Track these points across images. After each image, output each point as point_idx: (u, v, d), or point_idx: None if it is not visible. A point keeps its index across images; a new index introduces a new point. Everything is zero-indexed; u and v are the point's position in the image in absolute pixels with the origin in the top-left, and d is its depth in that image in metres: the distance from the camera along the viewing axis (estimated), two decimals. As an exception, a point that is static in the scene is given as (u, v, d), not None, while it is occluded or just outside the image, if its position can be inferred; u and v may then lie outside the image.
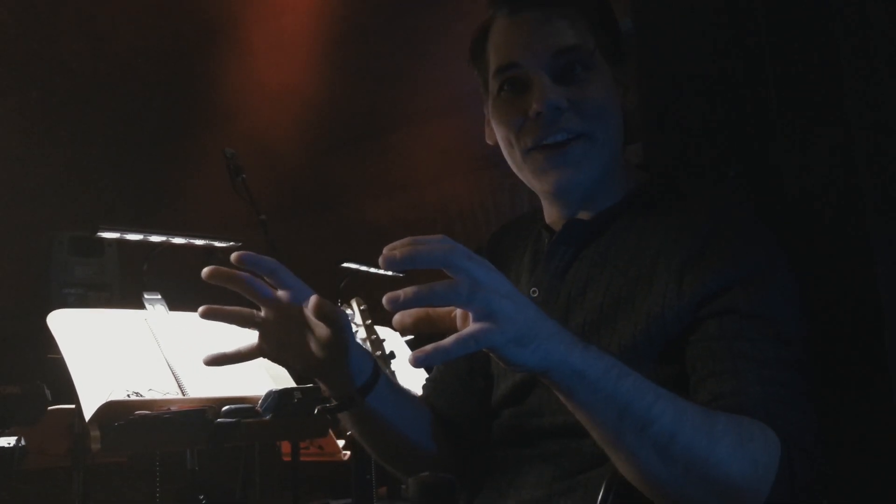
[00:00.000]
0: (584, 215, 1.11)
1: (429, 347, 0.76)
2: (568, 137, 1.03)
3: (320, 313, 0.93)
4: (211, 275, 0.98)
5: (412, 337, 4.00)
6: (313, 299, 0.93)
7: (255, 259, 0.97)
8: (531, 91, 1.04)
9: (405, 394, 1.19)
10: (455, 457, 1.22)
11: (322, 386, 1.07)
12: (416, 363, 0.75)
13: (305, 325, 0.99)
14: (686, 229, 0.99)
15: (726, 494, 0.83)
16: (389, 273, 3.90)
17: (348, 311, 2.80)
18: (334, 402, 1.06)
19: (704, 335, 0.93)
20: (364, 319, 2.74)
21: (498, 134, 1.11)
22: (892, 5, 1.00)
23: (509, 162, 1.12)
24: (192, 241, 2.81)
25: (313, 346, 0.99)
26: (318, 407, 1.05)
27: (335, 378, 1.04)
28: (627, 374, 0.82)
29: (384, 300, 0.76)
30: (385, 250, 0.76)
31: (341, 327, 0.95)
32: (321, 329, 0.97)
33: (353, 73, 5.44)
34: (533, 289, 1.13)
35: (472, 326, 0.76)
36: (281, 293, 0.99)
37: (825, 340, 0.99)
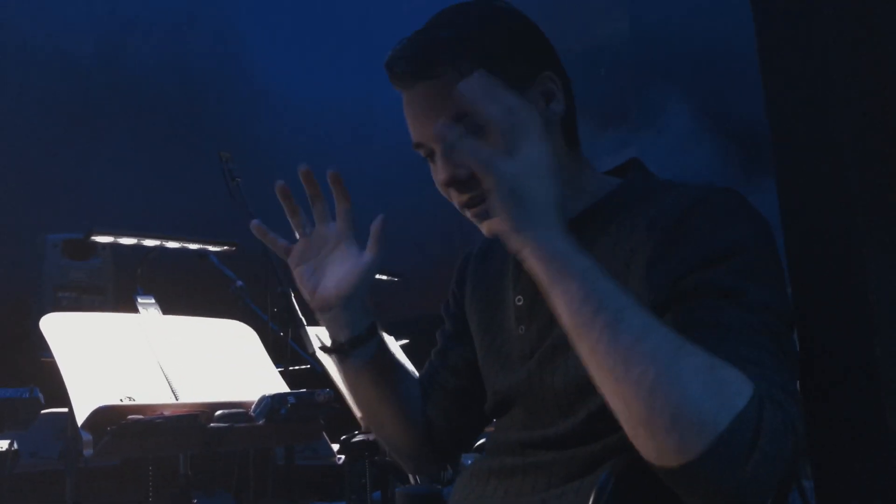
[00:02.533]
0: None
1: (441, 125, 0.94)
2: (480, 195, 1.04)
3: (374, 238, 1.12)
4: (281, 192, 1.16)
5: (407, 341, 4.00)
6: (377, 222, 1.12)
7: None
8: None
9: (400, 365, 1.25)
10: (436, 458, 1.24)
11: (325, 328, 1.18)
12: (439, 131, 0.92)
13: (331, 258, 1.13)
14: (658, 222, 0.99)
15: (682, 414, 0.79)
16: (384, 277, 3.90)
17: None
18: (330, 346, 1.17)
19: (673, 316, 0.93)
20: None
21: None
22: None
23: None
24: (186, 244, 2.81)
25: (330, 277, 1.11)
26: (324, 398, 1.20)
27: (336, 320, 1.15)
28: (607, 277, 0.85)
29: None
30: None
31: (365, 268, 1.11)
32: (340, 268, 1.10)
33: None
34: (518, 297, 1.13)
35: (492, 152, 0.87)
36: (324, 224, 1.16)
37: (815, 345, 0.99)
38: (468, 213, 1.09)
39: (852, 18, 1.03)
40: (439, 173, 1.06)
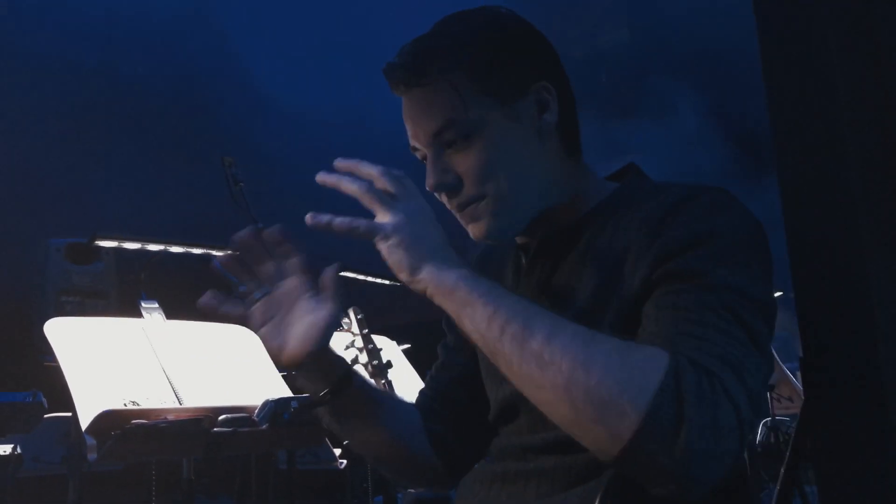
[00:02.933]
0: (549, 231, 1.13)
1: (325, 215, 0.96)
2: (465, 204, 1.08)
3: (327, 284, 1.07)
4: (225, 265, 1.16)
5: (409, 346, 4.00)
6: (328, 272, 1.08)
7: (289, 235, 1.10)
8: None
9: (387, 398, 1.25)
10: (443, 471, 1.24)
11: (302, 379, 1.15)
12: (310, 220, 0.96)
13: (292, 315, 1.08)
14: (647, 220, 1.01)
15: (604, 402, 0.81)
16: (387, 282, 3.90)
17: (344, 321, 2.80)
18: (310, 398, 1.15)
19: (647, 306, 0.96)
20: (361, 329, 2.74)
21: None
22: None
23: None
24: (189, 249, 2.81)
25: (293, 335, 1.06)
26: (297, 406, 1.17)
27: (309, 377, 1.13)
28: (509, 294, 0.91)
29: (307, 218, 0.97)
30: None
31: (327, 321, 1.06)
32: (302, 323, 1.06)
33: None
34: None
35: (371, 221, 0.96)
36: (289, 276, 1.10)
37: (819, 349, 0.99)
38: (458, 216, 1.11)
39: (853, 20, 1.03)
40: (428, 178, 1.08)
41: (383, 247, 0.96)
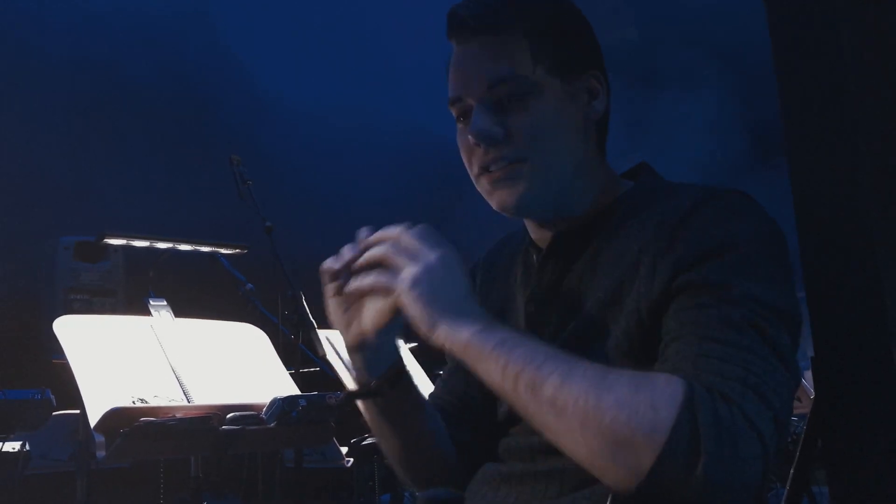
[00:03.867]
0: (564, 227, 1.12)
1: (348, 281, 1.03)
2: (506, 163, 1.06)
3: None
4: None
5: (416, 344, 4.00)
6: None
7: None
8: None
9: (426, 402, 1.22)
10: (462, 471, 1.23)
11: (353, 368, 1.14)
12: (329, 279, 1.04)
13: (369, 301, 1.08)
14: (665, 222, 1.00)
15: (618, 441, 0.81)
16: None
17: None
18: (358, 389, 1.13)
19: (668, 314, 0.95)
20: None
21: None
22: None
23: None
24: (197, 247, 2.82)
25: (366, 313, 1.06)
26: (344, 394, 1.15)
27: (365, 360, 1.11)
28: (521, 343, 0.91)
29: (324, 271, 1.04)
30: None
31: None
32: (374, 305, 1.05)
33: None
34: (529, 303, 1.14)
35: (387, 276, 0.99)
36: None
37: (830, 347, 0.99)
38: (483, 181, 1.09)
39: (865, 14, 1.03)
40: (473, 125, 1.06)
41: (403, 301, 0.98)
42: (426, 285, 0.97)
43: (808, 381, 4.46)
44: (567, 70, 1.08)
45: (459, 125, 1.12)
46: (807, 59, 1.05)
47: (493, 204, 1.10)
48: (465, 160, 1.12)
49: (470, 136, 1.07)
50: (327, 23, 6.48)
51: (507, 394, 0.91)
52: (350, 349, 1.11)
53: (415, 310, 0.97)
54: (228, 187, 2.98)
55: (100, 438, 1.81)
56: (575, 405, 0.84)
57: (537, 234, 1.16)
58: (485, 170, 1.08)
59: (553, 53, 1.07)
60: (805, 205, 1.06)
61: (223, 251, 2.87)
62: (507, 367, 0.90)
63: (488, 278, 1.28)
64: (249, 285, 2.77)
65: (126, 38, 5.70)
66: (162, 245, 2.75)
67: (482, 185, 1.10)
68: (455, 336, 0.94)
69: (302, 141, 6.01)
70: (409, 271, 0.97)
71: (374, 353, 1.11)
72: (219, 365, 2.18)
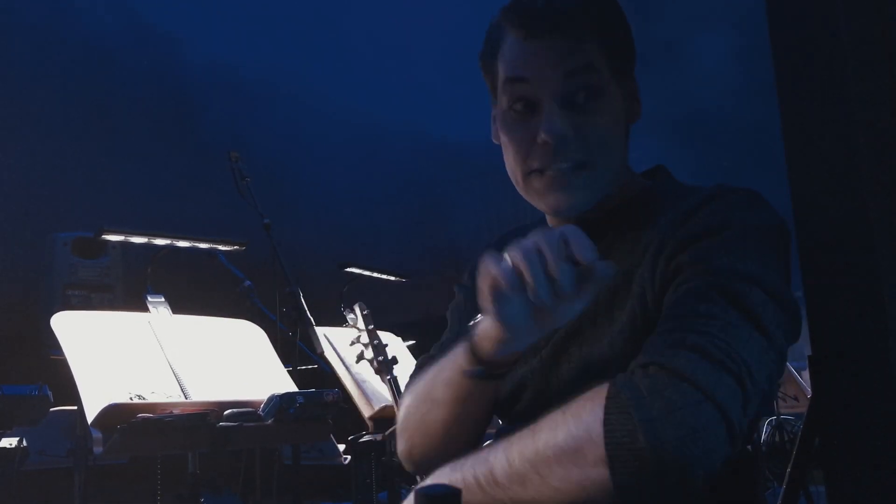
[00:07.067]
0: (583, 217, 1.12)
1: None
2: (570, 166, 1.05)
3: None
4: None
5: (414, 342, 4.00)
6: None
7: None
8: (539, 115, 1.05)
9: None
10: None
11: (482, 345, 1.04)
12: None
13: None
14: (675, 217, 1.01)
15: (575, 461, 0.82)
16: (393, 278, 3.90)
17: (350, 317, 2.80)
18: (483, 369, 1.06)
19: (664, 301, 0.95)
20: (366, 324, 2.74)
21: (505, 149, 1.12)
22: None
23: (510, 174, 1.13)
24: (196, 244, 2.82)
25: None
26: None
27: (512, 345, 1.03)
28: (468, 457, 0.92)
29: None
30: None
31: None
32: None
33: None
34: None
35: None
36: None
37: (828, 345, 0.99)
38: (536, 181, 1.07)
39: (865, 14, 1.03)
40: (554, 124, 1.03)
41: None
42: None
43: (805, 380, 4.47)
44: (623, 72, 1.09)
45: (511, 112, 1.09)
46: (807, 59, 1.05)
47: (544, 205, 1.09)
48: (514, 152, 1.09)
49: (542, 134, 1.04)
50: (328, 22, 6.48)
51: (486, 501, 0.90)
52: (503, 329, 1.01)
53: None
54: (227, 184, 2.98)
55: (97, 434, 1.81)
56: (523, 463, 0.86)
57: (555, 222, 1.16)
58: (540, 171, 1.06)
59: (618, 54, 1.08)
60: (803, 202, 1.06)
61: (221, 248, 2.87)
62: (466, 482, 0.90)
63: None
64: (248, 282, 2.77)
65: (123, 34, 5.69)
66: (160, 241, 2.74)
67: (532, 184, 1.08)
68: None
69: (301, 140, 6.01)
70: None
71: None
72: (216, 361, 2.19)
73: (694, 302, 0.89)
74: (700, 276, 0.91)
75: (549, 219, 1.19)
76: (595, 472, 0.81)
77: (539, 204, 1.11)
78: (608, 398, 0.82)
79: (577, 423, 0.83)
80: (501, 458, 0.88)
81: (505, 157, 1.13)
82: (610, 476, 0.80)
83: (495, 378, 1.07)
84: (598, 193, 1.08)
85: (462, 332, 1.30)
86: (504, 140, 1.12)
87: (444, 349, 1.30)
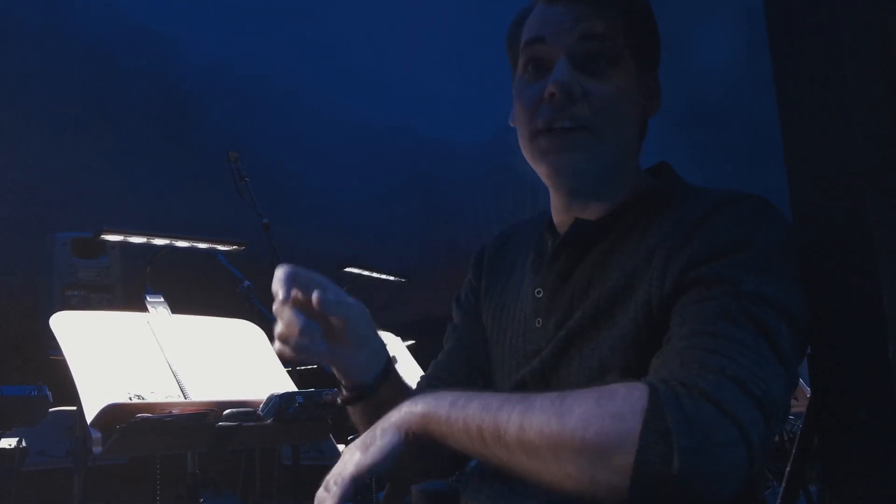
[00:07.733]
0: (589, 215, 1.12)
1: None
2: (573, 126, 1.06)
3: (324, 309, 1.03)
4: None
5: (413, 342, 4.00)
6: (315, 296, 1.02)
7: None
8: (551, 73, 1.07)
9: (410, 390, 1.21)
10: (453, 461, 1.23)
11: (338, 377, 1.15)
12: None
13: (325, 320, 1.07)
14: (683, 222, 1.00)
15: (595, 457, 0.81)
16: (391, 278, 3.91)
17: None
18: (347, 395, 1.14)
19: (674, 310, 0.95)
20: (366, 324, 2.73)
21: (517, 114, 1.13)
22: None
23: (521, 143, 1.13)
24: (195, 244, 2.82)
25: (331, 338, 1.07)
26: (332, 397, 1.18)
27: (349, 369, 1.12)
28: (473, 397, 0.90)
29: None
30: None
31: (351, 318, 1.07)
32: (336, 321, 1.06)
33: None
34: (538, 289, 1.13)
35: None
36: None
37: (827, 344, 0.99)
38: (542, 141, 1.07)
39: (865, 14, 1.03)
40: (561, 73, 1.05)
41: None
42: None
43: (804, 379, 4.47)
44: (643, 59, 1.11)
45: (525, 75, 1.11)
46: (806, 59, 1.05)
47: (545, 167, 1.09)
48: (523, 114, 1.10)
49: (549, 86, 1.05)
50: (328, 22, 6.48)
51: (477, 451, 0.89)
52: (328, 363, 1.12)
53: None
54: (227, 183, 2.98)
55: (97, 434, 1.80)
56: (541, 438, 0.83)
57: (560, 217, 1.16)
58: (547, 130, 1.07)
59: (639, 39, 1.10)
60: (803, 202, 1.06)
61: (221, 248, 2.87)
62: (467, 424, 0.88)
63: (494, 262, 1.28)
64: (247, 282, 2.77)
65: (123, 38, 5.69)
66: (159, 241, 2.74)
67: (538, 145, 1.08)
68: (411, 414, 0.93)
69: (301, 140, 6.01)
70: None
71: (363, 353, 1.11)
72: (216, 361, 2.18)
73: (725, 323, 0.88)
74: (728, 297, 0.91)
75: (553, 206, 1.18)
76: (615, 476, 0.80)
77: (539, 167, 1.10)
78: (648, 410, 0.81)
79: (612, 422, 0.81)
80: (516, 421, 0.85)
81: (517, 123, 1.14)
82: (629, 486, 0.80)
83: (351, 403, 1.14)
84: (599, 161, 1.08)
85: (460, 329, 1.31)
86: (516, 104, 1.13)
87: (458, 337, 1.30)
